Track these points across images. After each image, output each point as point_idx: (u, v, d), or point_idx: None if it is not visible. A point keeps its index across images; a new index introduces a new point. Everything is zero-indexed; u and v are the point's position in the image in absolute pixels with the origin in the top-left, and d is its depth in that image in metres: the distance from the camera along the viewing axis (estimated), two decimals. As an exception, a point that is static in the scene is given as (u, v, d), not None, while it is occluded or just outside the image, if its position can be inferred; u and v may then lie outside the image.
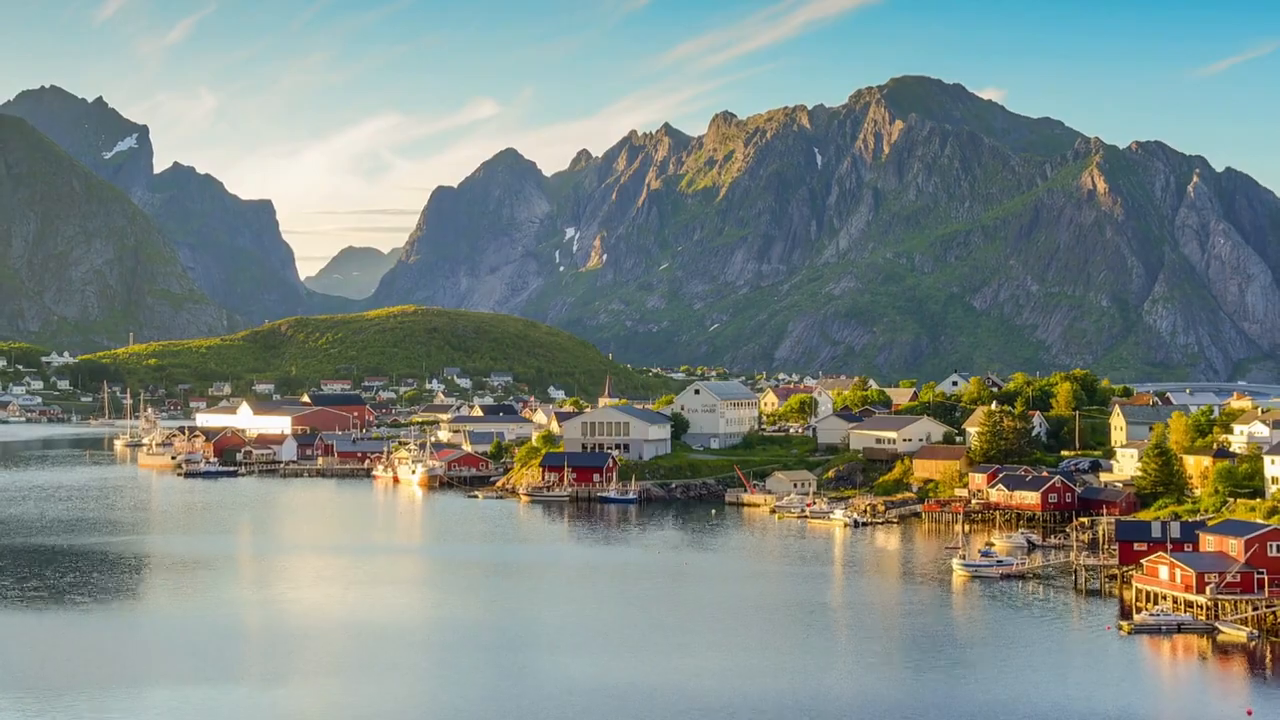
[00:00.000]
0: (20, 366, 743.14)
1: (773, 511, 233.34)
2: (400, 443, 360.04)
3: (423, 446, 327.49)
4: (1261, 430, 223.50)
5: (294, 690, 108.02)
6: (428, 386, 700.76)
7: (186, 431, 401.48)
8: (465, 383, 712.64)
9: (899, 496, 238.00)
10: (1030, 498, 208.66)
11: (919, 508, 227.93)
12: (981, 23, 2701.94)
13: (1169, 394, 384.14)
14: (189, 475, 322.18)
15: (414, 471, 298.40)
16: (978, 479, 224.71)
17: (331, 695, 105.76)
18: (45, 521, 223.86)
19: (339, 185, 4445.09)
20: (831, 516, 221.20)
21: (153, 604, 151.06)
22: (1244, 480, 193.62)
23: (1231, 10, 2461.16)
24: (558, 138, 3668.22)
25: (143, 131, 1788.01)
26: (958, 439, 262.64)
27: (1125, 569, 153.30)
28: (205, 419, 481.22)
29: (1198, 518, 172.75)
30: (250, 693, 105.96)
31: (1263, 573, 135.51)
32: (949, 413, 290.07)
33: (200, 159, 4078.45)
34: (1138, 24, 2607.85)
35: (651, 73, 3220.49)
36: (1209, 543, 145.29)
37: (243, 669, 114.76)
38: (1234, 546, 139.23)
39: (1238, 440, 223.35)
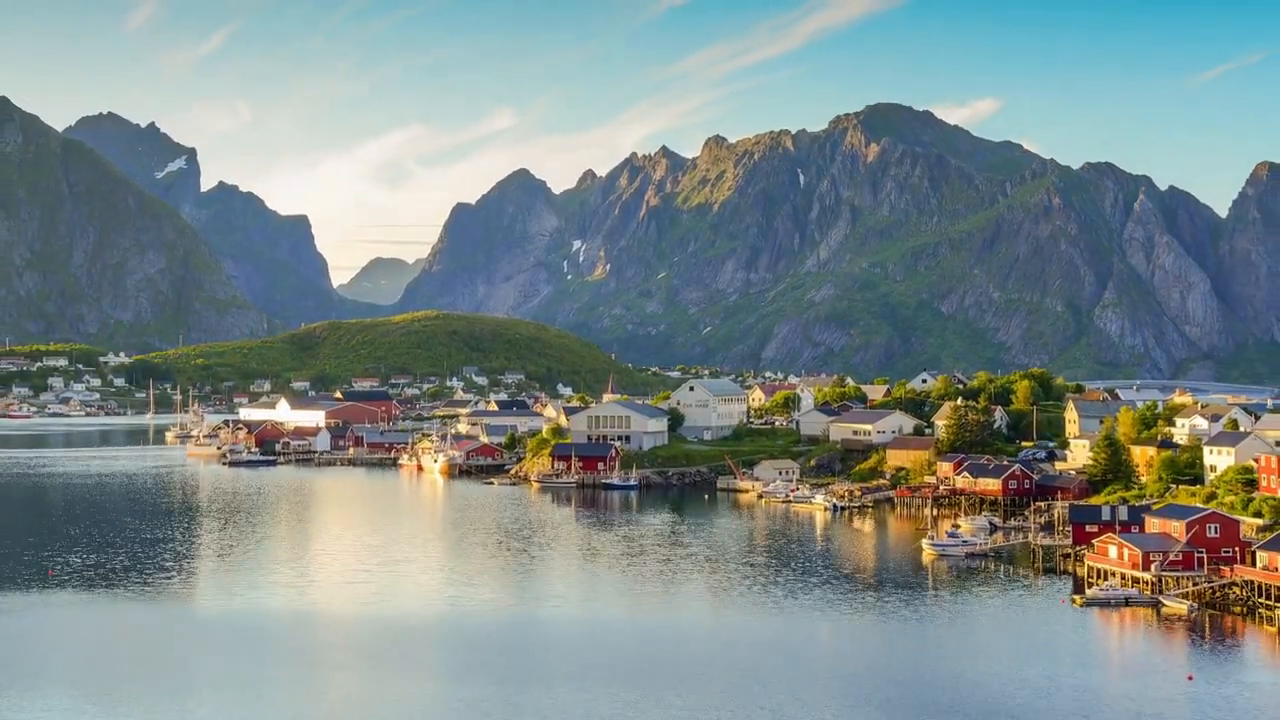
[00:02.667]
0: (80, 365, 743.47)
1: (760, 497, 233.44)
2: (423, 434, 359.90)
3: (444, 438, 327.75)
4: (1201, 424, 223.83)
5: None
6: (448, 384, 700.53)
7: (230, 424, 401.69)
8: (482, 380, 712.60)
9: (874, 483, 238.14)
10: (992, 484, 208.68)
11: (892, 493, 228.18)
12: (961, 45, 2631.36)
13: (1117, 390, 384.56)
14: (233, 464, 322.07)
15: (436, 460, 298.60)
16: (945, 467, 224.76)
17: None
18: (114, 502, 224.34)
19: (364, 194, 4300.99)
20: (813, 501, 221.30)
21: (217, 573, 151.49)
22: (1185, 468, 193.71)
23: (1172, 38, 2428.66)
24: (573, 145, 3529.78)
25: (191, 153, 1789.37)
26: (927, 431, 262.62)
27: (1078, 548, 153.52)
28: (247, 413, 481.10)
29: (1143, 502, 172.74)
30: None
31: (1202, 552, 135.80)
32: (919, 407, 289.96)
33: (233, 169, 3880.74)
34: (1089, 50, 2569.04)
35: (662, 81, 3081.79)
36: (1153, 525, 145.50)
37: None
38: (1176, 528, 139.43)
39: (1179, 433, 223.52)
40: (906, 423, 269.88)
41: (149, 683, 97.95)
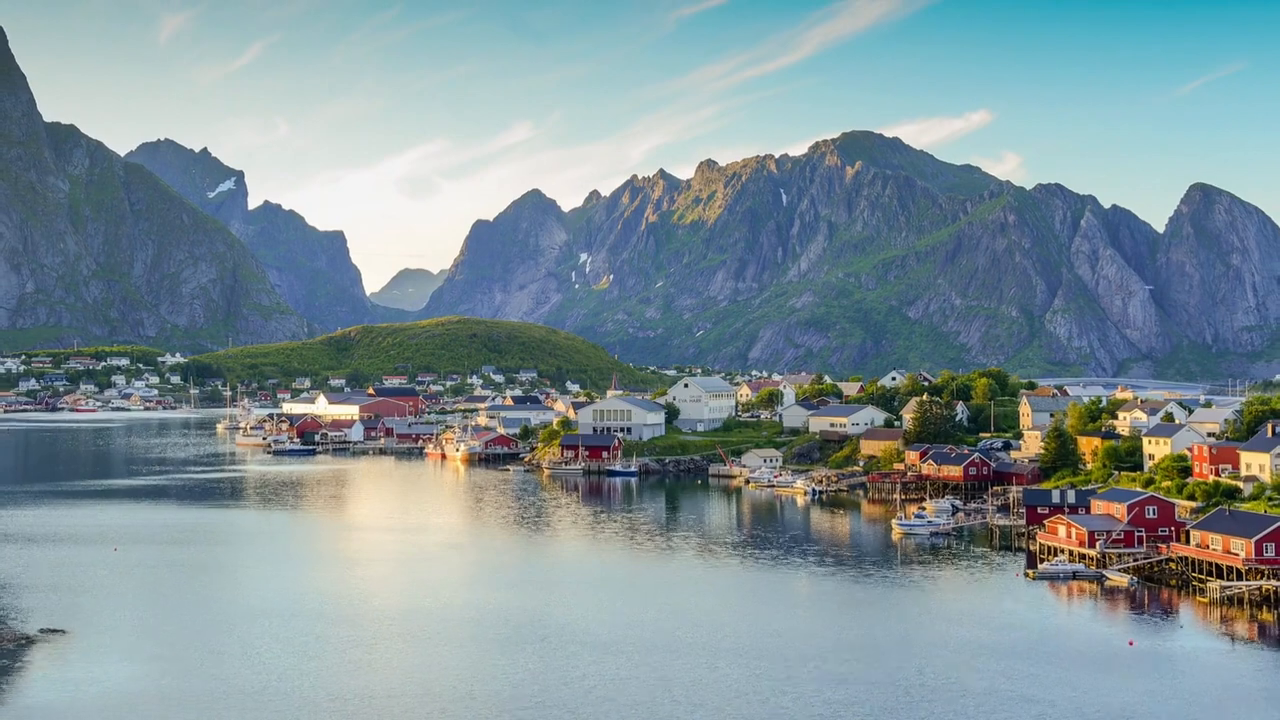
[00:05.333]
0: (141, 365, 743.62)
1: (746, 482, 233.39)
2: (447, 426, 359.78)
3: (465, 429, 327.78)
4: (1140, 417, 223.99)
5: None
6: (469, 381, 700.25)
7: (274, 418, 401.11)
8: (499, 378, 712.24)
9: (849, 469, 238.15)
10: (954, 471, 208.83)
11: (865, 479, 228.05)
12: (959, 57, 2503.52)
13: (1066, 387, 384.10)
14: (276, 453, 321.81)
15: (458, 449, 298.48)
16: (912, 455, 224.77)
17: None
18: (186, 490, 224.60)
19: (392, 207, 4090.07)
20: (794, 486, 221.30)
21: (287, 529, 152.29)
22: (1126, 456, 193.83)
23: (1121, 62, 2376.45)
24: (588, 156, 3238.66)
25: (239, 175, 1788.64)
26: (896, 423, 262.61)
27: (1031, 528, 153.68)
28: (289, 407, 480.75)
29: (1089, 487, 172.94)
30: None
31: (1141, 531, 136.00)
32: (889, 402, 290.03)
33: (269, 180, 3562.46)
34: (1079, 62, 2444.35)
35: (671, 94, 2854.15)
36: (1098, 507, 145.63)
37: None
38: (1118, 510, 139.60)
39: (1121, 425, 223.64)
40: (878, 416, 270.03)
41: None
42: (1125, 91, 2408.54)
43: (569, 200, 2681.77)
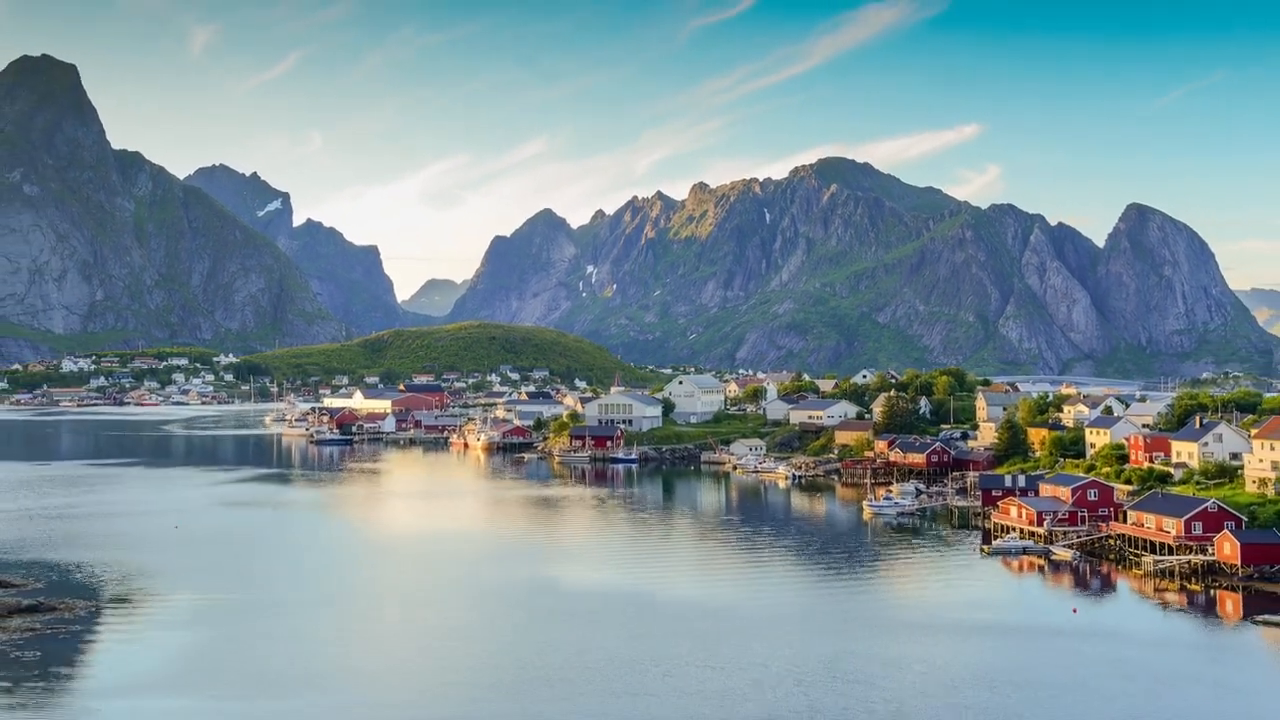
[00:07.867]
0: (198, 364, 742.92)
1: (734, 468, 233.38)
2: (469, 419, 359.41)
3: (485, 421, 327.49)
4: (1083, 410, 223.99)
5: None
6: (488, 378, 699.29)
7: (316, 411, 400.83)
8: (515, 376, 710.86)
9: (825, 457, 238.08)
10: (918, 458, 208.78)
11: (839, 465, 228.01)
12: (953, 70, 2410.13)
13: (1017, 384, 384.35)
14: (318, 443, 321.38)
15: (479, 439, 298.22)
16: (881, 444, 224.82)
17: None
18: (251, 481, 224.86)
19: (420, 219, 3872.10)
20: (776, 471, 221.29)
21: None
22: (1070, 445, 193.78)
23: (1090, 77, 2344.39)
24: (601, 167, 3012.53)
25: (285, 196, 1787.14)
26: (866, 416, 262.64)
27: (986, 509, 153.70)
28: (330, 402, 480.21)
29: (1037, 472, 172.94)
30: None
31: (1084, 511, 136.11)
32: (860, 397, 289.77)
33: (304, 195, 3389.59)
34: (1068, 77, 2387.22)
35: (680, 105, 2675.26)
36: (1046, 490, 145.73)
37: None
38: (1063, 493, 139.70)
39: (1066, 417, 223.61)
40: (850, 410, 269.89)
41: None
42: (1081, 112, 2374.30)
43: (576, 213, 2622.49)
